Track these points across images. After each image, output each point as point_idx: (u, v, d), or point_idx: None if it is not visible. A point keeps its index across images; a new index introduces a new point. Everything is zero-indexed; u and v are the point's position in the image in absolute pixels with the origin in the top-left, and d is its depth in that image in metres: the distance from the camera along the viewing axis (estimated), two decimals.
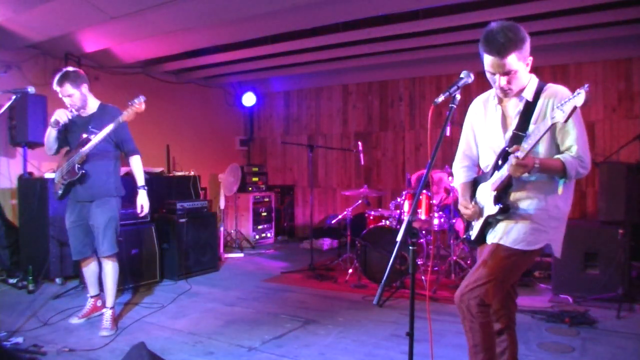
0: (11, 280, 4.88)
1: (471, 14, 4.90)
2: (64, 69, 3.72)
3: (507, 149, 2.16)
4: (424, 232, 5.11)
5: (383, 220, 5.33)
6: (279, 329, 3.81)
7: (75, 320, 3.87)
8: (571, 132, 2.12)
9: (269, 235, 8.10)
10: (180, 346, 3.46)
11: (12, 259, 5.32)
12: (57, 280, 4.92)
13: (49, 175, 5.02)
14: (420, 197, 4.88)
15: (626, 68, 6.13)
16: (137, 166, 3.89)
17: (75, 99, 3.66)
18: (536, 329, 3.71)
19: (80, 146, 3.63)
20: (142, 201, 3.87)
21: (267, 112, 9.13)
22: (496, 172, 2.25)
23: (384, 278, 1.88)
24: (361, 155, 5.78)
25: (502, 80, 2.13)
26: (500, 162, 2.23)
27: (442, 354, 3.25)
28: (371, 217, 5.69)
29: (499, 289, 2.20)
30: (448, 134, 2.11)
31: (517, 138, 2.15)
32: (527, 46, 2.09)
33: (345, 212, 5.85)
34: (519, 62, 2.08)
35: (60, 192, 3.77)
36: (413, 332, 1.96)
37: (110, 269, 3.80)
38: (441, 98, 2.04)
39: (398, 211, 5.17)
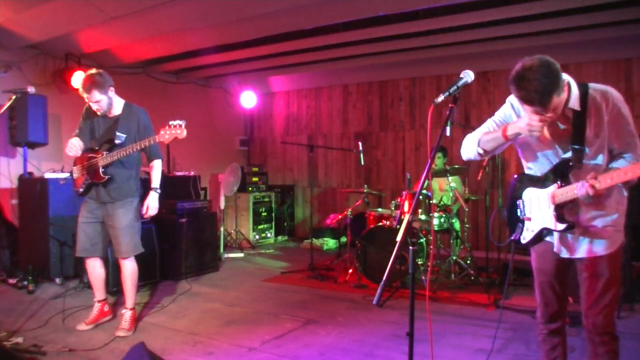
0: (11, 280, 4.88)
1: (471, 14, 4.90)
2: (89, 73, 3.62)
3: (570, 163, 2.10)
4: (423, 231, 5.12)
5: (383, 220, 5.33)
6: (279, 329, 3.81)
7: (82, 327, 3.76)
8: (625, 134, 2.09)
9: (269, 235, 8.10)
10: (180, 346, 3.46)
11: (12, 259, 5.32)
12: (57, 280, 4.92)
13: (49, 175, 5.02)
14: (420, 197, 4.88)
15: (626, 68, 6.13)
16: (157, 169, 3.86)
17: (103, 104, 3.63)
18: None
19: (105, 149, 3.61)
20: (151, 202, 3.83)
21: (267, 112, 9.13)
22: (555, 185, 2.17)
23: (384, 278, 1.88)
24: (361, 155, 5.78)
25: (545, 116, 2.01)
26: (560, 175, 2.16)
27: (442, 354, 3.25)
28: (371, 217, 5.69)
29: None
30: (448, 134, 2.06)
31: (578, 153, 2.08)
32: (563, 77, 1.98)
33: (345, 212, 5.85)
34: (560, 95, 1.99)
35: (82, 190, 3.73)
36: (413, 332, 1.96)
37: (130, 269, 3.79)
38: (441, 98, 2.03)
39: (398, 211, 5.17)
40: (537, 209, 2.27)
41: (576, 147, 2.08)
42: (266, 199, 8.12)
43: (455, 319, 4.02)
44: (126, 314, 3.78)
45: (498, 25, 5.31)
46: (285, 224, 8.50)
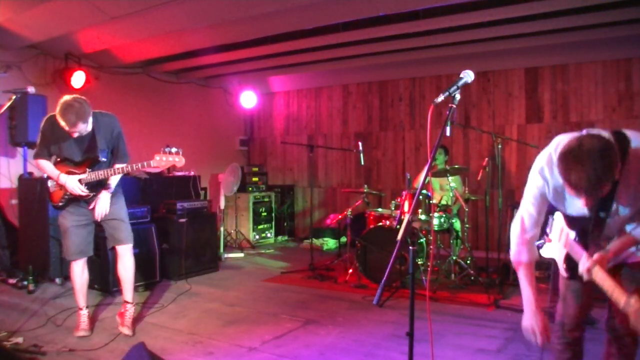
0: (11, 280, 4.88)
1: (471, 14, 4.90)
2: (67, 102, 3.33)
3: (591, 228, 2.01)
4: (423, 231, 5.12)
5: (383, 220, 5.33)
6: (279, 329, 3.81)
7: (82, 334, 3.65)
8: None
9: (269, 235, 8.10)
10: (180, 346, 3.46)
11: (12, 259, 5.32)
12: (57, 280, 4.92)
13: None
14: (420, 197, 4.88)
15: (626, 68, 6.13)
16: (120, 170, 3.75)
17: (84, 130, 3.47)
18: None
19: (88, 165, 3.55)
20: (102, 202, 3.59)
21: (267, 112, 9.13)
22: (573, 233, 2.12)
23: (384, 278, 1.88)
24: (361, 155, 5.78)
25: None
26: (579, 232, 2.10)
27: (442, 354, 3.24)
28: (371, 217, 5.69)
29: None
30: (448, 134, 2.05)
31: (600, 220, 1.98)
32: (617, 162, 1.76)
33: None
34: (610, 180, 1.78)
35: (61, 204, 3.63)
36: (413, 332, 1.96)
37: (132, 259, 3.77)
38: (441, 98, 2.02)
39: (398, 211, 5.17)
40: (556, 239, 2.21)
41: (600, 214, 1.95)
42: (266, 199, 8.12)
43: (455, 319, 4.02)
44: (130, 310, 3.76)
45: (498, 25, 5.30)
46: (285, 224, 8.50)
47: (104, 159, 3.58)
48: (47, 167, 3.61)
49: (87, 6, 4.58)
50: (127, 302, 3.78)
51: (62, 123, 3.33)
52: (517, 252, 2.18)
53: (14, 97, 3.60)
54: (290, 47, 6.12)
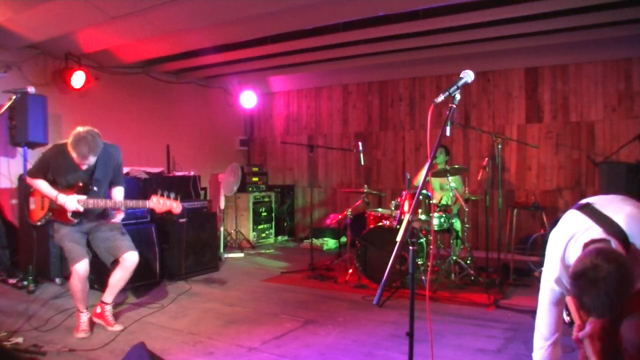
0: (11, 280, 4.88)
1: (471, 14, 4.90)
2: (82, 135, 3.39)
3: None
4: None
5: (383, 220, 5.33)
6: (279, 329, 3.81)
7: (82, 335, 3.64)
8: None
9: (269, 235, 8.10)
10: (180, 346, 3.46)
11: (12, 259, 5.32)
12: (57, 280, 4.92)
13: None
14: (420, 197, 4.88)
15: (626, 68, 6.13)
16: (119, 194, 3.80)
17: (93, 161, 3.52)
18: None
19: (77, 191, 3.55)
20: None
21: (267, 112, 9.13)
22: None
23: (384, 278, 1.88)
24: (361, 155, 5.77)
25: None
26: None
27: (442, 354, 3.25)
28: (371, 217, 5.69)
29: None
30: (448, 134, 2.04)
31: None
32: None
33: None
34: None
35: (39, 224, 3.68)
36: (413, 332, 1.96)
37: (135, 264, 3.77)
38: (441, 98, 2.02)
39: (398, 211, 5.17)
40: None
41: None
42: (266, 199, 8.12)
43: (455, 319, 4.02)
44: (109, 309, 3.78)
45: (498, 25, 5.30)
46: (285, 224, 8.50)
47: (95, 189, 3.61)
48: (43, 186, 3.59)
49: (87, 6, 4.58)
50: (106, 304, 3.79)
51: (74, 154, 3.40)
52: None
53: (14, 97, 3.60)
54: (290, 47, 6.12)
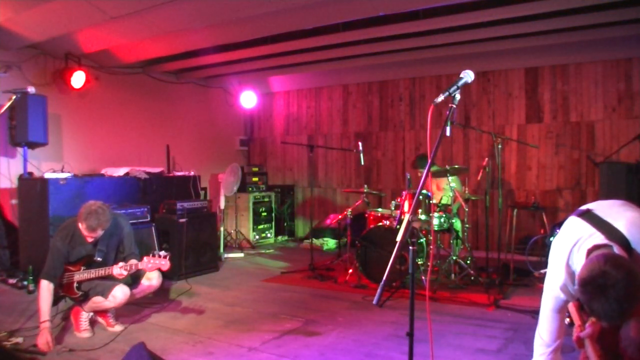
0: (11, 280, 4.88)
1: (471, 14, 4.90)
2: (92, 210, 3.42)
3: None
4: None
5: (383, 220, 5.33)
6: (279, 329, 3.81)
7: (82, 335, 3.64)
8: None
9: (269, 235, 8.10)
10: (180, 346, 3.46)
11: (12, 259, 5.32)
12: None
13: (49, 175, 5.02)
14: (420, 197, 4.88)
15: (626, 68, 6.13)
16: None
17: (100, 235, 3.56)
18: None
19: (83, 263, 3.58)
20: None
21: (267, 112, 9.13)
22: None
23: (384, 278, 1.88)
24: (361, 155, 5.77)
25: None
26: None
27: (442, 354, 3.25)
28: (371, 217, 5.69)
29: None
30: (448, 134, 2.03)
31: None
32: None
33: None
34: None
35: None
36: (413, 332, 1.96)
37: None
38: (441, 98, 2.02)
39: (398, 211, 5.17)
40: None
41: None
42: (266, 199, 8.12)
43: (455, 319, 4.02)
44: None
45: (498, 25, 5.31)
46: (285, 224, 8.50)
47: (99, 259, 3.61)
48: (44, 297, 3.42)
49: (87, 6, 4.58)
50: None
51: (82, 226, 3.44)
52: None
53: (14, 97, 3.60)
54: (290, 47, 6.12)
